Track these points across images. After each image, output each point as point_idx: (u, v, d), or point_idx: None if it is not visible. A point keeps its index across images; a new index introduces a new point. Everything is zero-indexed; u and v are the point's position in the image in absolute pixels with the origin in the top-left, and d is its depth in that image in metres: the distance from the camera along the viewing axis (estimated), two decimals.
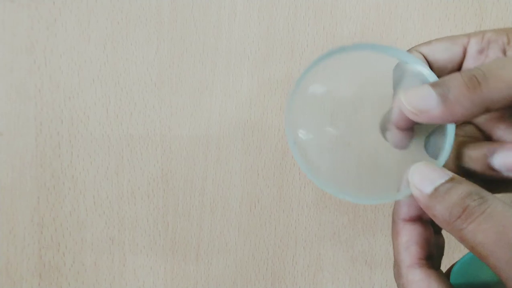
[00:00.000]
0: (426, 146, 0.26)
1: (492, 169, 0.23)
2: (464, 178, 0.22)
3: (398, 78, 0.25)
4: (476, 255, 0.20)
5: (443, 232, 0.25)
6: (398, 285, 0.24)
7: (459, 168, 0.24)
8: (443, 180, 0.21)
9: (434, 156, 0.24)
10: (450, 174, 0.22)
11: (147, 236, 0.38)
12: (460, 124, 0.26)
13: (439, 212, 0.21)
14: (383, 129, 0.26)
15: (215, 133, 0.37)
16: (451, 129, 0.23)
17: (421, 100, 0.21)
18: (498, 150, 0.23)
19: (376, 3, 0.36)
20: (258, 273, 0.39)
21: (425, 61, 0.26)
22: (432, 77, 0.23)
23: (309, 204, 0.38)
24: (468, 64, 0.26)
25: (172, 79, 0.37)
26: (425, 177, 0.21)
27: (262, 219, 0.38)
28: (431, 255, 0.24)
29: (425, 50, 0.26)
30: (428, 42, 0.26)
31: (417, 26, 0.37)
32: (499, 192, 0.25)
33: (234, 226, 0.38)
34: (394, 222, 0.25)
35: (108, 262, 0.38)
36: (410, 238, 0.24)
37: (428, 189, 0.21)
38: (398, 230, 0.24)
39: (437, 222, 0.21)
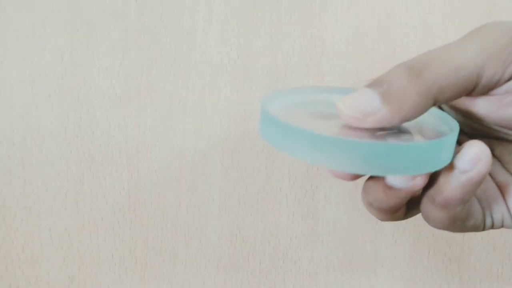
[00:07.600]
0: None
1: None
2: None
3: None
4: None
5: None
6: None
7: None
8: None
9: None
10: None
11: (112, 274, 0.36)
12: None
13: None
14: None
15: (190, 154, 0.35)
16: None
17: (362, 102, 0.21)
18: None
19: (371, 5, 0.35)
20: None
21: None
22: None
23: (299, 234, 0.36)
24: None
25: (140, 93, 0.35)
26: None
27: (245, 252, 0.36)
28: None
29: None
30: None
31: (418, 30, 0.35)
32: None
33: (212, 261, 0.36)
34: None
35: None
36: None
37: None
38: None
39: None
